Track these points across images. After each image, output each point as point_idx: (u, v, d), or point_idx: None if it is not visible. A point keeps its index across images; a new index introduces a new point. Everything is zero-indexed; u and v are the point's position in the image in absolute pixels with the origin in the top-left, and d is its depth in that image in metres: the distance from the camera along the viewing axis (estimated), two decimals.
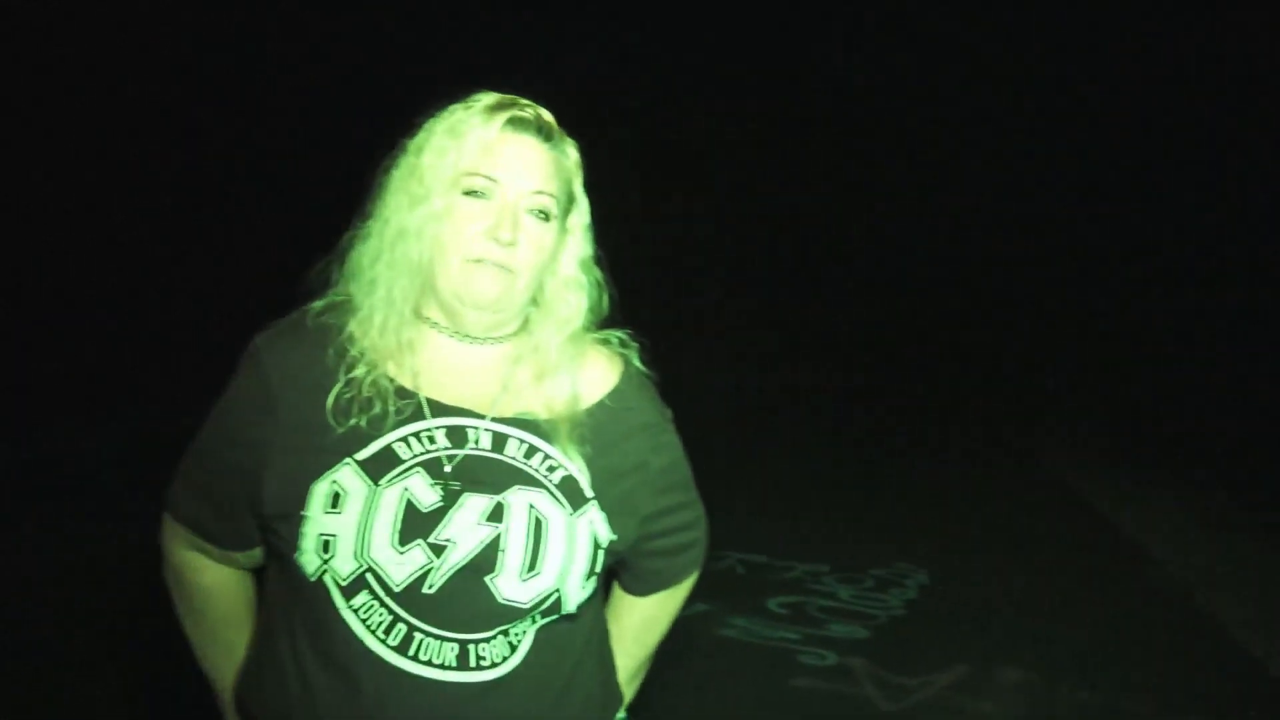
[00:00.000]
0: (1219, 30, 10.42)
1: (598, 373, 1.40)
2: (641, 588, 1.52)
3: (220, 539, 1.39)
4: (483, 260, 1.29)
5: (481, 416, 1.32)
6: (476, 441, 1.29)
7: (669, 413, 1.48)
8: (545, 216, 1.33)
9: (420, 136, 1.34)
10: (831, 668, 4.37)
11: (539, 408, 1.34)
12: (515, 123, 1.31)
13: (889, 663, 4.42)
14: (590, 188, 1.42)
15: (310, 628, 1.26)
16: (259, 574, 1.45)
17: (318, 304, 1.37)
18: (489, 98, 1.33)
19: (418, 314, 1.35)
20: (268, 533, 1.31)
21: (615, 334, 1.45)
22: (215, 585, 1.44)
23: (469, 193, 1.30)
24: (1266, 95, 10.15)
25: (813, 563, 5.82)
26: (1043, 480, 8.26)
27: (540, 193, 1.31)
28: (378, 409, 1.28)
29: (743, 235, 18.65)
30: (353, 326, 1.33)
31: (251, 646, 1.41)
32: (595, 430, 1.35)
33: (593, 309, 1.41)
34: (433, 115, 1.35)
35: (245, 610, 1.47)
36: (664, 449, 1.45)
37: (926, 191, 12.58)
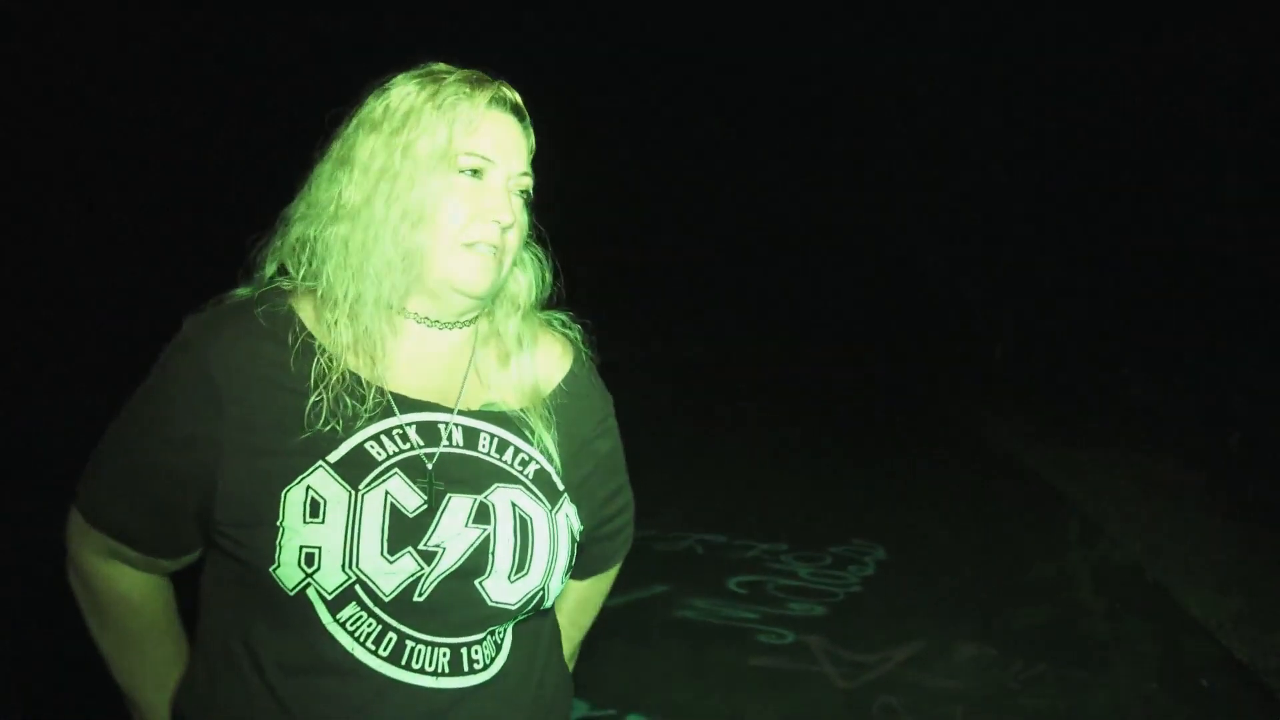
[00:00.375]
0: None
1: (553, 357, 1.39)
2: (581, 572, 1.50)
3: (151, 546, 1.28)
4: (477, 244, 1.25)
5: (449, 410, 1.27)
6: (449, 438, 1.25)
7: (610, 397, 1.47)
8: (527, 198, 1.31)
9: (383, 111, 1.26)
10: (789, 646, 4.39)
11: (503, 397, 1.32)
12: (498, 101, 1.28)
13: (846, 640, 4.44)
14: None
15: (286, 641, 1.18)
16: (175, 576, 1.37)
17: (245, 290, 1.29)
18: (458, 72, 1.28)
19: (391, 302, 1.27)
20: (221, 539, 1.20)
21: (557, 315, 1.43)
22: (136, 593, 1.32)
23: (464, 172, 1.25)
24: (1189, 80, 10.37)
25: (772, 541, 5.84)
26: (994, 455, 8.37)
27: (525, 174, 1.30)
28: (344, 407, 1.21)
29: (688, 214, 18.71)
30: (307, 316, 1.26)
31: (196, 660, 1.29)
32: (557, 417, 1.34)
33: (540, 288, 1.39)
34: (378, 89, 1.28)
35: (169, 619, 1.37)
36: (610, 433, 1.45)
37: (871, 168, 12.64)
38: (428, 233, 1.24)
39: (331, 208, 1.25)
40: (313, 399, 1.20)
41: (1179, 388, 9.31)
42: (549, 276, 1.40)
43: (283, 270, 1.30)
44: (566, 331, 1.42)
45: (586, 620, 1.56)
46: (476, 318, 1.34)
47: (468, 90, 1.26)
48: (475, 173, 1.25)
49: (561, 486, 1.30)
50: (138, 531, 1.27)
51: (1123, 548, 5.87)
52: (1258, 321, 8.92)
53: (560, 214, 1.49)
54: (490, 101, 1.27)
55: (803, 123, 17.91)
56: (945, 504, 6.66)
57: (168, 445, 1.21)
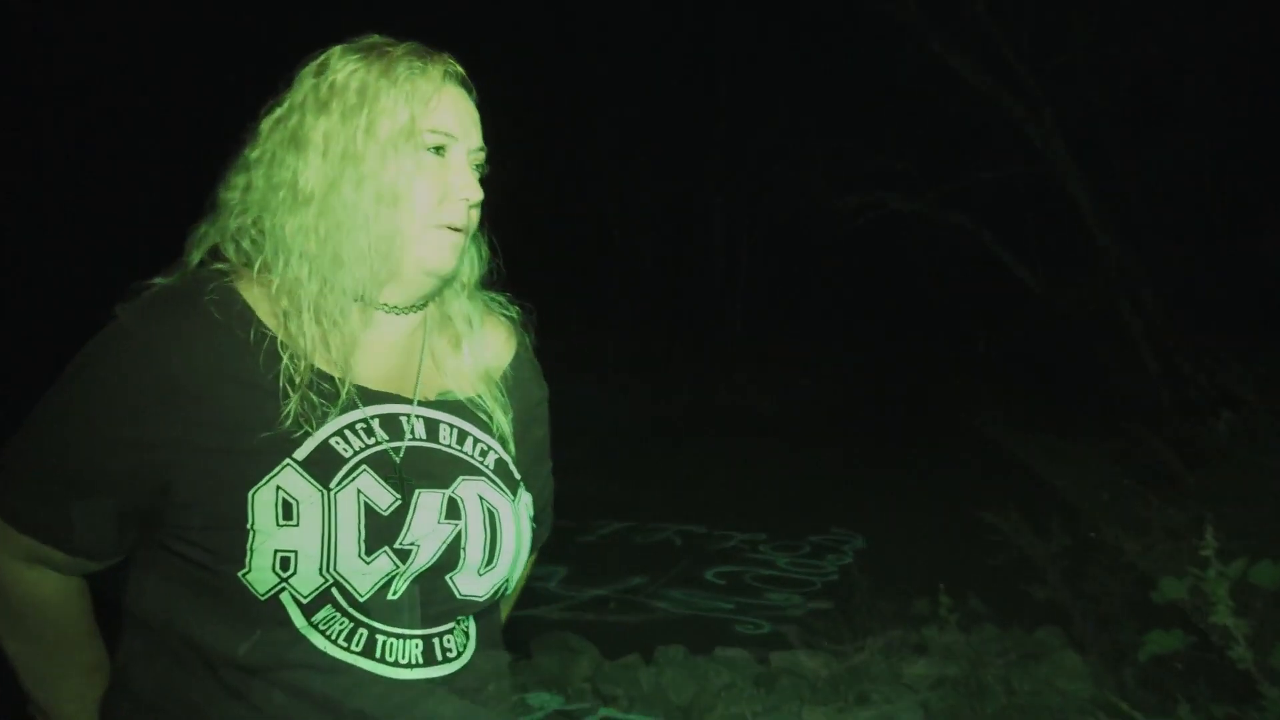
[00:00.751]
0: None
1: (499, 340, 1.37)
2: None
3: (83, 549, 1.20)
4: (448, 224, 1.22)
5: (409, 401, 1.24)
6: (412, 431, 1.22)
7: (544, 380, 1.46)
8: (482, 174, 1.27)
9: (329, 90, 1.20)
10: (766, 636, 4.39)
11: (458, 383, 1.30)
12: (450, 75, 1.24)
13: (824, 629, 4.42)
14: None
15: (251, 644, 1.13)
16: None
17: (170, 278, 1.21)
18: (402, 45, 1.24)
19: (362, 292, 1.22)
20: (175, 543, 1.15)
21: (496, 296, 1.39)
22: (57, 598, 1.24)
23: (429, 150, 1.21)
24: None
25: (751, 532, 5.83)
26: (977, 442, 8.39)
27: (482, 149, 1.27)
28: (308, 401, 1.16)
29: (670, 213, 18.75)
30: (261, 307, 1.19)
31: (133, 665, 1.21)
32: (508, 400, 1.33)
33: (480, 265, 1.35)
34: (314, 66, 1.22)
35: (89, 624, 1.29)
36: (545, 418, 1.44)
37: (859, 151, 12.68)
38: (401, 215, 1.19)
39: (284, 194, 1.19)
40: (277, 395, 1.15)
41: (1156, 373, 9.34)
42: (486, 253, 1.35)
43: (216, 256, 1.23)
44: (507, 312, 1.40)
45: (508, 608, 1.53)
46: (427, 302, 1.30)
47: (420, 64, 1.21)
48: (438, 150, 1.21)
49: (518, 475, 1.29)
50: (69, 534, 1.19)
51: (1106, 533, 5.87)
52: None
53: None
54: (444, 75, 1.23)
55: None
56: (928, 490, 6.67)
57: (115, 446, 1.14)
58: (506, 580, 1.24)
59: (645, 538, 5.95)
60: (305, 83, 1.22)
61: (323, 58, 1.22)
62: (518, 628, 4.97)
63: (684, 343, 16.29)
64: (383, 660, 1.15)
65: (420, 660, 1.17)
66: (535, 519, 1.35)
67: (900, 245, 15.31)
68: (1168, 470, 4.63)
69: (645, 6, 19.40)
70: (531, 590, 5.72)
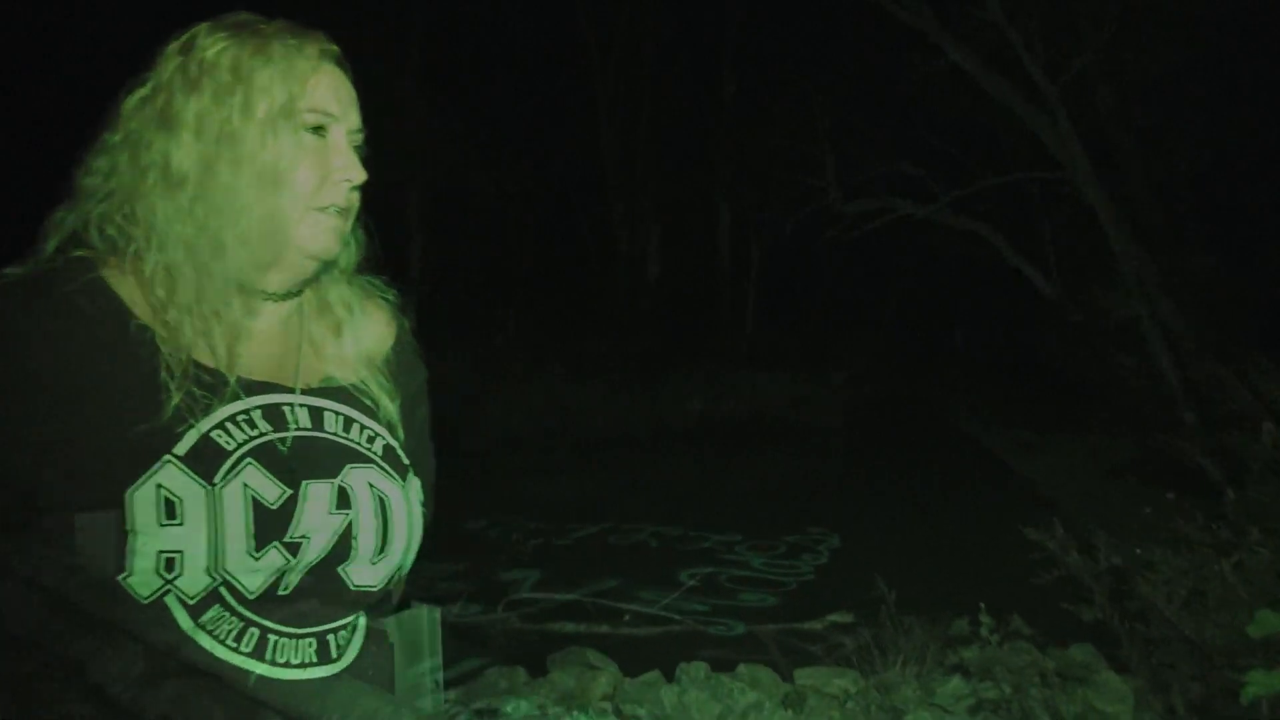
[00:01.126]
0: None
1: (380, 323, 1.34)
2: None
3: None
4: (330, 207, 1.18)
5: (290, 389, 1.20)
6: (296, 421, 1.17)
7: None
8: (362, 153, 1.22)
9: (199, 68, 1.14)
10: (740, 638, 4.37)
11: (340, 369, 1.26)
12: (326, 53, 1.20)
13: (797, 629, 4.41)
14: None
15: (129, 649, 1.02)
16: None
17: (16, 271, 1.11)
18: (274, 22, 1.19)
19: (243, 279, 1.17)
20: (46, 548, 1.06)
21: (373, 279, 1.35)
22: None
23: (309, 130, 1.16)
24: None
25: (726, 532, 5.84)
26: (953, 437, 8.46)
27: (361, 130, 1.23)
28: (188, 395, 1.10)
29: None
30: (130, 295, 1.13)
31: None
32: (393, 385, 1.30)
33: (358, 249, 1.31)
34: (178, 44, 1.15)
35: None
36: (426, 400, 1.41)
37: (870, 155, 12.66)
38: (282, 198, 1.15)
39: (154, 177, 1.13)
40: (154, 390, 1.08)
41: (1127, 369, 9.41)
42: (363, 236, 1.30)
43: (77, 242, 1.15)
44: (386, 295, 1.36)
45: (397, 594, 1.48)
46: (304, 288, 1.26)
47: (295, 42, 1.17)
48: (318, 130, 1.17)
49: (407, 460, 1.26)
50: None
51: (1080, 527, 5.90)
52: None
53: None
54: (320, 54, 1.18)
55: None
56: (904, 486, 6.73)
57: None
58: (400, 567, 1.21)
59: (620, 539, 5.96)
60: (171, 61, 1.15)
61: (187, 35, 1.16)
62: (530, 643, 4.91)
63: (686, 346, 16.26)
64: (273, 662, 1.10)
65: (314, 658, 1.14)
66: (424, 503, 1.31)
67: (901, 250, 15.32)
68: (1207, 483, 4.50)
69: (654, 4, 19.37)
70: (501, 593, 5.62)
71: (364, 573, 1.16)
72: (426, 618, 1.68)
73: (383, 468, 1.21)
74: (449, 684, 3.84)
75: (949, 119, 12.55)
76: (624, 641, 4.37)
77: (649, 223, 20.61)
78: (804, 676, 4.04)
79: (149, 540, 1.04)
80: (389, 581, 1.21)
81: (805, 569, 5.22)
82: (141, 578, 1.04)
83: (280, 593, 1.10)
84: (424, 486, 1.29)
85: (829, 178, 12.63)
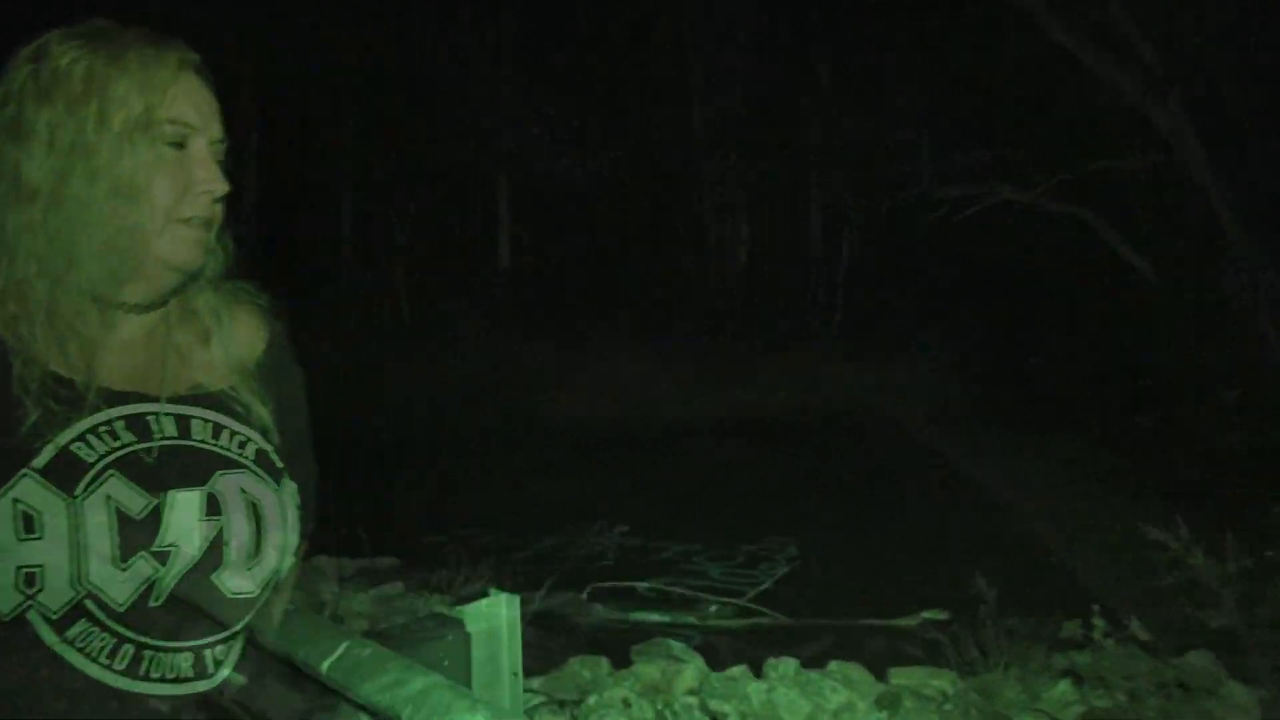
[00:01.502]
0: None
1: (251, 328, 1.32)
2: None
3: None
4: (192, 219, 1.16)
5: (156, 399, 1.18)
6: (161, 430, 1.15)
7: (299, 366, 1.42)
8: (223, 165, 1.20)
9: (51, 77, 1.11)
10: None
11: (210, 377, 1.24)
12: (186, 62, 1.17)
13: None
14: None
15: None
16: None
17: None
18: (131, 30, 1.16)
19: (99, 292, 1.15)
20: None
21: (242, 284, 1.33)
22: None
23: (169, 143, 1.14)
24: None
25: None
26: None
27: (223, 140, 1.20)
28: (45, 408, 1.08)
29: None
30: None
31: None
32: (266, 389, 1.29)
33: (225, 257, 1.28)
34: (28, 53, 1.12)
35: None
36: (303, 403, 1.39)
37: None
38: (140, 211, 1.13)
39: (4, 189, 1.12)
40: (8, 405, 1.07)
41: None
42: (230, 244, 1.28)
43: None
44: (257, 300, 1.34)
45: (282, 604, 1.43)
46: (169, 298, 1.24)
47: (153, 52, 1.14)
48: (178, 144, 1.15)
49: (281, 464, 1.24)
50: None
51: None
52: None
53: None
54: (179, 63, 1.16)
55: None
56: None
57: None
58: (277, 571, 1.19)
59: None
60: (21, 69, 1.12)
61: (38, 44, 1.13)
62: (608, 636, 4.91)
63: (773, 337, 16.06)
64: (148, 678, 1.09)
65: (190, 673, 1.12)
66: (301, 505, 1.29)
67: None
68: None
69: None
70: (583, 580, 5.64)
71: (239, 580, 1.14)
72: (505, 605, 1.58)
73: (255, 472, 1.20)
74: (529, 673, 3.82)
75: (1039, 104, 12.15)
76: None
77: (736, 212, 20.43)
78: (899, 676, 3.87)
79: (7, 555, 1.02)
80: (266, 587, 1.19)
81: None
82: (1, 595, 1.02)
83: (153, 603, 1.08)
84: (301, 489, 1.28)
85: (922, 163, 12.37)
